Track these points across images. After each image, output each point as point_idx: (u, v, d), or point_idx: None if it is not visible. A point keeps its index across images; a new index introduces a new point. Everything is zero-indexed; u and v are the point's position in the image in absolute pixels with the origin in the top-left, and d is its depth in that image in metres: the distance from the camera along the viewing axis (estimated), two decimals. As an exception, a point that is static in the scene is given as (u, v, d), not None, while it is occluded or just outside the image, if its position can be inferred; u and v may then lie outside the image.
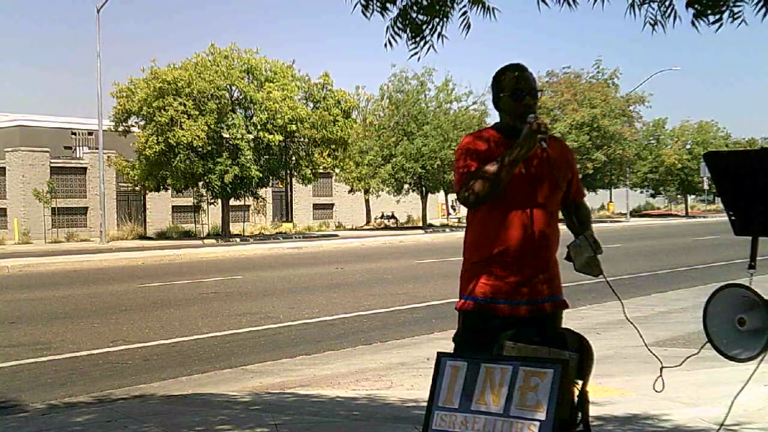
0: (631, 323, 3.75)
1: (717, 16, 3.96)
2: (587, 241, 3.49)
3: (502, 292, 3.41)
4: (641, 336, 3.64)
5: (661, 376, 3.36)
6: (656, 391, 3.33)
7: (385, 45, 4.30)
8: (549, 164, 3.45)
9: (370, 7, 4.26)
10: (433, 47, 4.33)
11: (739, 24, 3.94)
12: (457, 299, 3.54)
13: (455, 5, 4.25)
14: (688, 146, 66.68)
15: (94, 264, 23.41)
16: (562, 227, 3.49)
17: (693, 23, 4.01)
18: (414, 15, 4.28)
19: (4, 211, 44.09)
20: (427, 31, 4.30)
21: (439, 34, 4.31)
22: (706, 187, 62.34)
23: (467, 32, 4.25)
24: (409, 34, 4.30)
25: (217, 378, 7.96)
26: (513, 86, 3.48)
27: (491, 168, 3.35)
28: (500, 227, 3.43)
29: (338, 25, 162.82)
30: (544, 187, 3.46)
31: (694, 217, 66.77)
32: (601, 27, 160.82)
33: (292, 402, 6.57)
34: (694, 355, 3.47)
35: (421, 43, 4.31)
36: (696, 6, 3.98)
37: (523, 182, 3.42)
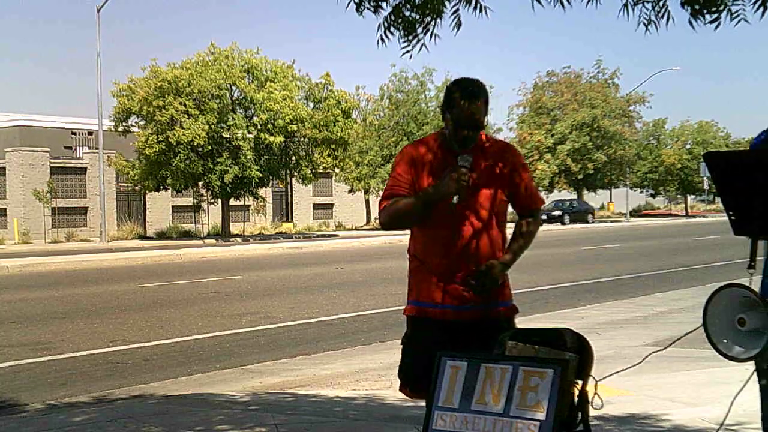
0: None
1: (714, 15, 3.97)
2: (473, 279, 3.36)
3: (446, 297, 3.46)
4: None
5: (597, 393, 3.32)
6: (595, 408, 3.29)
7: (377, 42, 4.29)
8: (483, 174, 3.42)
9: (363, 5, 4.26)
10: (425, 46, 4.34)
11: (738, 23, 3.93)
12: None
13: (447, 3, 4.25)
14: (688, 146, 66.65)
15: (94, 264, 23.41)
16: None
17: (690, 22, 4.02)
18: (407, 13, 4.28)
19: (4, 211, 44.10)
20: (420, 30, 4.30)
21: (432, 33, 4.31)
22: (706, 187, 62.32)
23: (458, 30, 4.25)
24: (402, 32, 4.30)
25: (217, 378, 7.96)
26: (458, 113, 3.41)
27: (407, 204, 3.40)
28: (439, 235, 3.47)
29: (338, 25, 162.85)
30: (477, 195, 3.43)
31: (694, 217, 66.76)
32: (602, 26, 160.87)
33: (291, 402, 6.57)
34: (680, 339, 3.46)
35: (414, 41, 4.31)
36: (692, 5, 3.98)
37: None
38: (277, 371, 8.26)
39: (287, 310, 12.58)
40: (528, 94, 55.98)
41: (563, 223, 52.47)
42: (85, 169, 45.92)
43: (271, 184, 42.82)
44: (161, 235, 39.83)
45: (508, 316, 3.54)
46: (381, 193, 45.29)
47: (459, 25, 4.25)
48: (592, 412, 3.28)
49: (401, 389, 3.60)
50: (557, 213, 53.94)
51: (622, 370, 3.85)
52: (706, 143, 64.44)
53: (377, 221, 54.08)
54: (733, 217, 3.11)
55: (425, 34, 4.30)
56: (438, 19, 4.28)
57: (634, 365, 3.80)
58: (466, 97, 3.41)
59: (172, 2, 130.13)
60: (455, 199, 3.33)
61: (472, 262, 3.43)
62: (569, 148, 52.14)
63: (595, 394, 3.23)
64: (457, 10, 4.22)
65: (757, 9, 3.86)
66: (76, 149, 47.55)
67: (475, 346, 3.36)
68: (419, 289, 3.54)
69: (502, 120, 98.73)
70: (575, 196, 58.38)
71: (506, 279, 3.55)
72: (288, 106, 36.44)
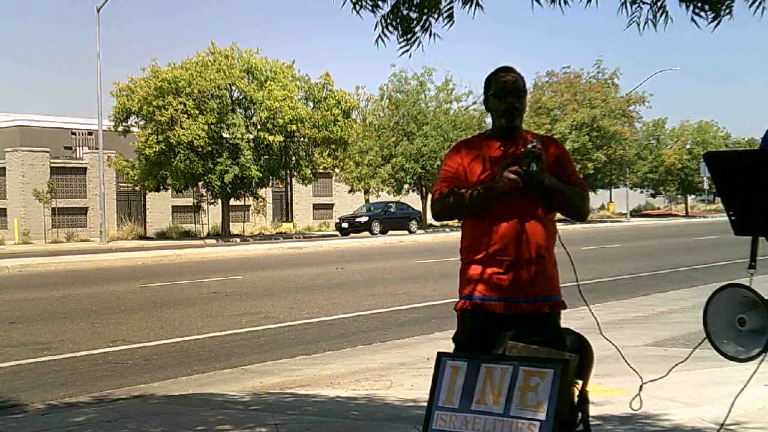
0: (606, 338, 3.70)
1: (713, 14, 3.99)
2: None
3: (496, 290, 3.42)
4: (620, 352, 3.55)
5: (639, 394, 3.33)
6: (633, 410, 3.32)
7: (376, 41, 4.28)
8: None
9: (360, 3, 4.25)
10: (422, 46, 4.33)
11: (729, 18, 3.97)
12: (457, 299, 3.58)
13: (443, 0, 4.24)
14: (688, 146, 66.71)
15: (94, 264, 23.41)
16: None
17: (693, 20, 4.03)
18: (405, 11, 4.27)
19: (4, 211, 44.11)
20: (418, 28, 4.29)
21: (431, 32, 4.30)
22: (706, 187, 62.33)
23: (450, 26, 4.25)
24: (400, 32, 4.29)
25: (217, 378, 7.96)
26: (498, 85, 3.55)
27: (465, 195, 3.44)
28: (488, 227, 3.46)
29: (338, 25, 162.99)
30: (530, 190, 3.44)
31: (694, 217, 66.77)
32: (601, 26, 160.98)
33: (291, 402, 6.57)
34: (682, 361, 3.47)
35: (412, 40, 4.30)
36: (692, 3, 4.00)
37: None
38: (277, 371, 8.26)
39: (287, 310, 12.58)
40: (528, 95, 55.98)
41: (372, 233, 41.33)
42: (85, 169, 45.92)
43: (271, 184, 42.85)
44: (161, 236, 39.84)
45: (559, 311, 3.54)
46: (381, 193, 44.81)
47: (451, 20, 4.24)
48: (593, 412, 3.28)
49: None
50: (362, 219, 42.73)
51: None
52: (706, 143, 64.50)
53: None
54: (733, 217, 3.11)
55: (424, 33, 4.29)
56: (436, 18, 4.27)
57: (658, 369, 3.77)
58: (502, 70, 3.60)
59: (172, 2, 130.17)
60: (532, 166, 3.30)
61: (529, 253, 3.43)
62: (569, 148, 52.08)
63: (637, 395, 3.33)
64: (452, 7, 4.22)
65: (751, 5, 3.89)
66: (76, 149, 47.57)
67: (535, 339, 3.34)
68: (476, 282, 3.48)
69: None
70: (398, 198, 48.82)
71: (553, 271, 3.54)
72: (288, 105, 36.46)
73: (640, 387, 3.32)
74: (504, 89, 3.52)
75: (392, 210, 44.50)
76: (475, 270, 3.47)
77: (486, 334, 3.39)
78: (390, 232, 42.19)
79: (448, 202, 3.50)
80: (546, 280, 3.48)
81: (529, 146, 3.33)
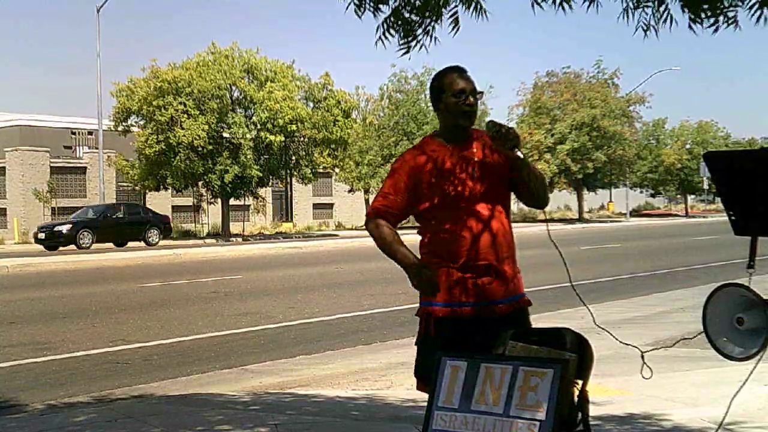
0: (603, 328, 3.74)
1: (713, 20, 3.99)
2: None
3: (475, 295, 3.42)
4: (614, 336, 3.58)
5: (644, 363, 3.36)
6: (645, 378, 3.34)
7: (376, 43, 4.30)
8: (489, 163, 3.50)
9: (363, 6, 4.26)
10: (426, 47, 4.34)
11: (735, 28, 3.98)
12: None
13: (447, 5, 4.25)
14: (688, 146, 66.68)
15: (94, 264, 23.42)
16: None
17: (690, 27, 4.04)
18: (407, 15, 4.29)
19: (4, 211, 44.14)
20: (420, 31, 4.30)
21: (432, 35, 4.31)
22: (706, 187, 62.31)
23: (456, 31, 4.26)
24: (401, 34, 4.30)
25: (217, 378, 7.96)
26: (455, 86, 3.55)
27: (388, 243, 3.54)
28: (458, 230, 3.45)
29: (338, 25, 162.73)
30: (485, 185, 3.47)
31: (694, 216, 66.76)
32: (601, 27, 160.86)
33: (291, 402, 6.57)
34: (685, 339, 3.47)
35: (413, 43, 4.31)
36: (692, 9, 4.00)
37: (465, 182, 3.45)
38: (276, 371, 8.26)
39: (287, 310, 12.58)
40: (528, 95, 56.00)
41: (79, 246, 30.19)
42: (85, 168, 45.94)
43: (271, 183, 42.85)
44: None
45: (525, 308, 3.55)
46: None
47: (457, 26, 4.26)
48: (593, 412, 3.28)
49: (419, 387, 3.57)
50: (64, 229, 31.04)
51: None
52: (706, 143, 64.46)
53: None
54: (733, 217, 3.12)
55: (425, 36, 4.30)
56: (438, 21, 4.28)
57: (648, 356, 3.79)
58: (456, 70, 3.58)
59: (172, 2, 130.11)
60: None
61: (505, 252, 3.46)
62: (569, 148, 52.16)
63: (644, 364, 3.37)
64: (456, 11, 4.23)
65: (753, 14, 3.89)
66: (76, 149, 47.60)
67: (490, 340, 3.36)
68: (454, 288, 3.46)
69: (501, 120, 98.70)
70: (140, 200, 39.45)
71: (515, 269, 3.56)
72: (288, 105, 36.45)
73: (642, 355, 3.37)
74: (463, 90, 3.53)
75: (119, 215, 33.33)
76: (451, 275, 3.44)
77: (470, 340, 3.38)
78: (126, 244, 32.21)
79: (375, 238, 3.59)
80: (518, 278, 3.55)
81: (488, 127, 3.45)
